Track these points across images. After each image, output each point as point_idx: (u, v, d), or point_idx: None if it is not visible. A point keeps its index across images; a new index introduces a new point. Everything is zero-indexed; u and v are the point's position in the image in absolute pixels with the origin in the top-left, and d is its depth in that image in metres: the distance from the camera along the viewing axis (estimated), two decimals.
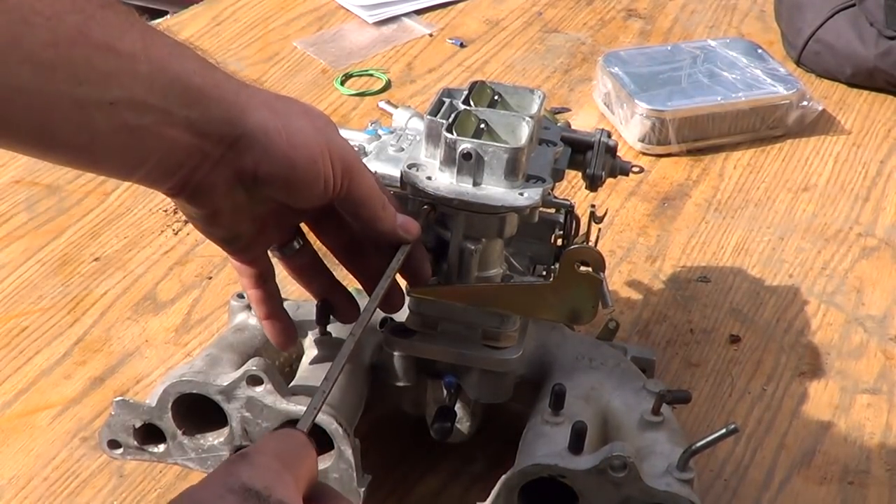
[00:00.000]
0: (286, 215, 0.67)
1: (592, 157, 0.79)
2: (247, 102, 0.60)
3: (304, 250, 0.71)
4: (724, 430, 0.67)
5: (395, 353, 0.76)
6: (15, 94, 0.51)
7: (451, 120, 0.70)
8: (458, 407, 0.76)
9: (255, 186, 0.62)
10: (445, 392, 0.75)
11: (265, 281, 0.70)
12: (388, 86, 1.31)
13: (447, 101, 0.74)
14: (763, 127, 1.23)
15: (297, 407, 0.69)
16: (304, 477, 0.50)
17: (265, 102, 0.61)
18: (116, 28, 0.54)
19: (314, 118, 0.64)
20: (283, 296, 0.83)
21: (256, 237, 0.67)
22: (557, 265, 0.72)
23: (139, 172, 0.59)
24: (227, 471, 0.47)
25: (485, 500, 0.69)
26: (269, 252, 0.70)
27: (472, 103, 0.74)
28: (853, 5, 1.32)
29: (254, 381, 0.69)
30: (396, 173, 0.72)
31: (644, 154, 1.20)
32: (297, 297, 0.83)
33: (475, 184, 0.69)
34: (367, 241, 0.69)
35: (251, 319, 0.78)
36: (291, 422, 0.70)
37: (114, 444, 0.73)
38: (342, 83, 1.30)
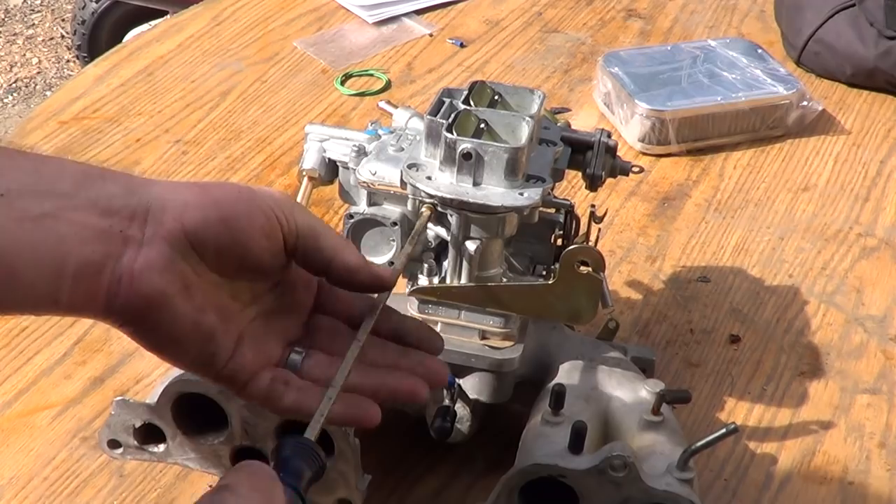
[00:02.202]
0: (268, 319, 0.60)
1: (592, 157, 0.79)
2: (144, 179, 0.57)
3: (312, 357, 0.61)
4: (724, 430, 0.67)
5: None
6: None
7: (451, 120, 0.70)
8: (458, 407, 0.76)
9: (193, 250, 0.56)
10: (445, 392, 0.75)
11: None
12: (388, 86, 1.31)
13: (447, 101, 0.74)
14: (763, 127, 1.23)
15: None
16: None
17: (165, 181, 0.58)
18: None
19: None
20: None
21: (238, 348, 0.58)
22: (557, 265, 0.72)
23: (67, 279, 0.53)
24: (213, 501, 0.47)
25: (485, 500, 0.69)
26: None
27: (472, 103, 0.74)
28: (853, 5, 1.32)
29: None
30: (396, 173, 0.72)
31: (644, 154, 1.20)
32: None
33: (475, 184, 0.69)
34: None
35: None
36: (290, 422, 0.70)
37: (114, 444, 0.73)
38: (342, 83, 1.30)
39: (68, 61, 3.27)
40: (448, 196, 0.69)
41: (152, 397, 0.72)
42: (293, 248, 0.59)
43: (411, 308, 0.75)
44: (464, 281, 0.73)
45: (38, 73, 3.24)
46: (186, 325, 0.56)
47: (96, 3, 2.63)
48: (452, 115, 0.71)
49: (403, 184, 0.71)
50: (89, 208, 0.54)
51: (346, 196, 0.80)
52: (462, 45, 1.39)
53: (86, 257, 0.53)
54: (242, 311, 0.59)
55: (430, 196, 0.69)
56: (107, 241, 0.54)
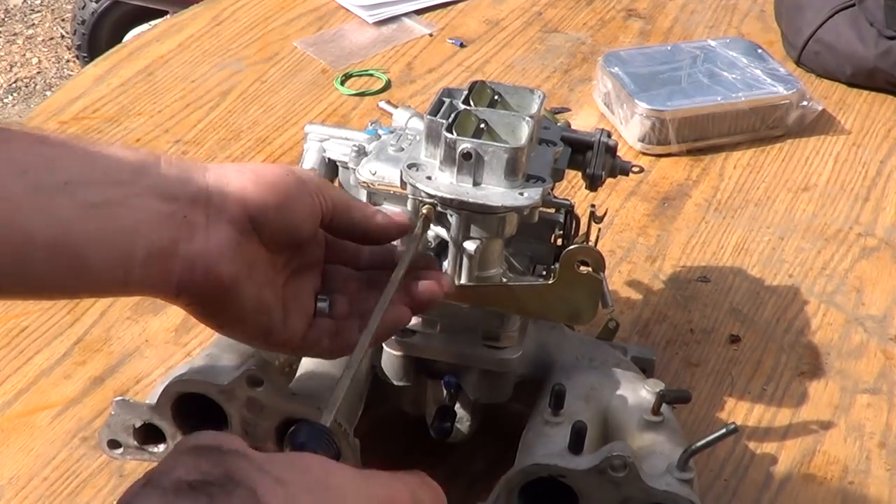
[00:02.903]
0: (296, 278, 0.65)
1: (592, 157, 0.79)
2: (197, 164, 0.60)
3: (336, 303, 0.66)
4: (724, 430, 0.67)
5: (395, 353, 0.76)
6: None
7: (451, 120, 0.70)
8: (458, 407, 0.76)
9: (254, 231, 0.59)
10: (445, 392, 0.75)
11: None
12: (388, 86, 1.31)
13: (447, 100, 0.74)
14: (763, 127, 1.23)
15: (296, 407, 0.69)
16: None
17: (216, 166, 0.61)
18: (36, 134, 0.55)
19: None
20: None
21: (287, 315, 0.63)
22: (557, 265, 0.72)
23: (137, 263, 0.55)
24: (175, 448, 0.47)
25: (485, 500, 0.69)
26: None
27: (472, 103, 0.74)
28: (853, 5, 1.32)
29: (253, 381, 0.69)
30: (396, 173, 0.72)
31: (644, 154, 1.20)
32: None
33: (475, 184, 0.69)
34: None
35: None
36: (291, 421, 0.70)
37: (114, 444, 0.73)
38: (342, 83, 1.30)
39: (68, 61, 3.27)
40: (448, 196, 0.69)
41: (152, 397, 0.72)
42: (328, 223, 0.64)
43: None
44: (464, 281, 0.73)
45: (38, 73, 3.24)
46: (250, 305, 0.60)
47: (96, 3, 2.63)
48: (452, 115, 0.71)
49: (403, 184, 0.71)
50: (151, 195, 0.56)
51: None
52: (462, 45, 1.39)
53: (154, 242, 0.55)
54: (280, 277, 0.63)
55: (430, 196, 0.69)
56: (172, 225, 0.56)
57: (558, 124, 0.81)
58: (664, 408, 0.73)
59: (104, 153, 0.56)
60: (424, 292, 0.66)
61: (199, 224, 0.57)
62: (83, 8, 2.65)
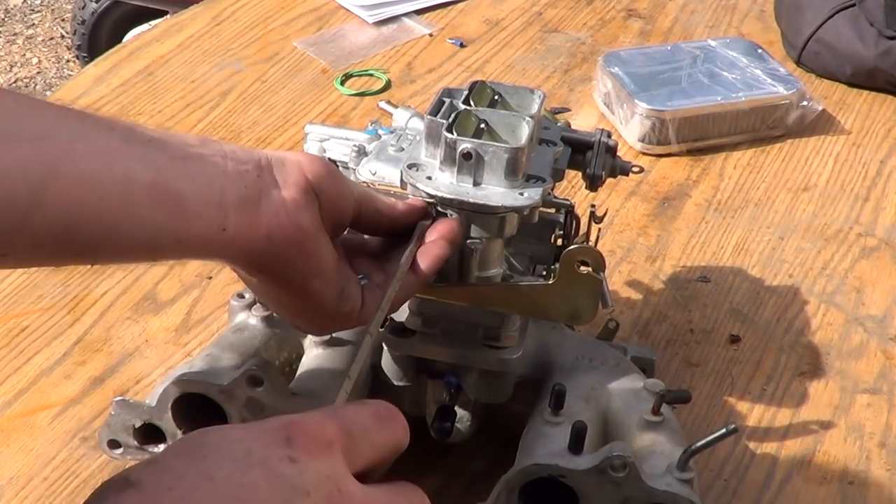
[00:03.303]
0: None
1: (592, 157, 0.79)
2: None
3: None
4: (724, 430, 0.67)
5: (395, 353, 0.76)
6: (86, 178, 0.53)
7: (451, 120, 0.70)
8: (457, 407, 0.76)
9: (317, 198, 0.62)
10: (445, 392, 0.75)
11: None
12: (388, 86, 1.31)
13: (447, 101, 0.74)
14: (763, 127, 1.23)
15: (296, 407, 0.69)
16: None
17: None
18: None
19: None
20: None
21: (349, 281, 0.65)
22: (557, 265, 0.72)
23: (232, 206, 0.58)
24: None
25: (485, 499, 0.69)
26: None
27: (472, 103, 0.74)
28: (853, 5, 1.32)
29: (254, 381, 0.69)
30: (396, 173, 0.72)
31: (644, 154, 1.20)
32: None
33: (475, 184, 0.69)
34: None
35: (251, 319, 0.78)
36: None
37: (114, 444, 0.73)
38: (342, 83, 1.30)
39: (68, 61, 3.27)
40: (448, 196, 0.69)
41: (152, 397, 0.72)
42: (356, 217, 0.66)
43: (410, 307, 0.75)
44: (464, 281, 0.73)
45: (38, 73, 3.24)
46: (332, 257, 0.63)
47: (96, 3, 2.63)
48: (452, 115, 0.71)
49: (403, 184, 0.71)
50: (222, 156, 0.59)
51: None
52: (462, 45, 1.39)
53: (241, 190, 0.59)
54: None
55: (430, 196, 0.69)
56: (251, 181, 0.59)
57: (558, 124, 0.81)
58: (664, 408, 0.73)
59: (169, 132, 0.60)
60: (441, 227, 0.68)
61: (271, 183, 0.60)
62: (83, 8, 2.65)
